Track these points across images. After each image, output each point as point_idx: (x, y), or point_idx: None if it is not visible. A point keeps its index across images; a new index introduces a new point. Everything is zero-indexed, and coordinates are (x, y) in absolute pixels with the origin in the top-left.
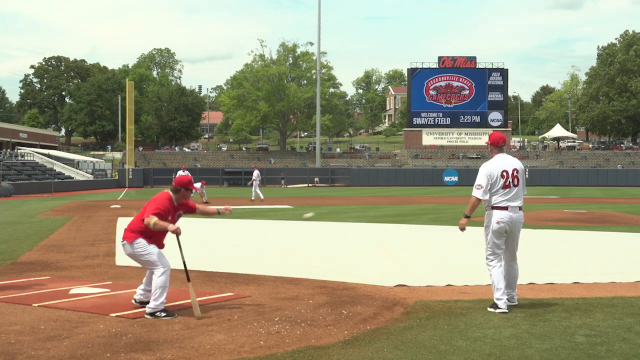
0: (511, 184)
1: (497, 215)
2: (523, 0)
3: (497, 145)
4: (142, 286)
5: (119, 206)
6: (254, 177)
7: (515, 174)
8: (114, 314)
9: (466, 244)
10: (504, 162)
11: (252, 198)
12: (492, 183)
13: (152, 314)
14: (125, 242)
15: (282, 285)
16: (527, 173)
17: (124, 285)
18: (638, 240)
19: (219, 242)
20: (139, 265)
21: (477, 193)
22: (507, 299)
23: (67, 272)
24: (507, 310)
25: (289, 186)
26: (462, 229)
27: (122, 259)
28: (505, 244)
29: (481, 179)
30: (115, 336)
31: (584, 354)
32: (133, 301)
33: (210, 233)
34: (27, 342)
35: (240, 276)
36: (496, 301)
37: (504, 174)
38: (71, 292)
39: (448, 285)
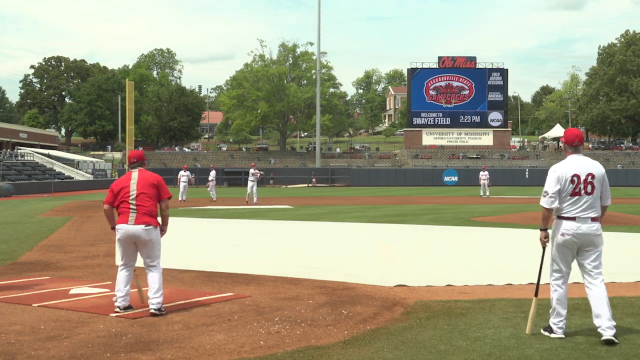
0: (582, 191)
1: (563, 226)
2: (524, 0)
3: (572, 145)
4: (122, 292)
5: None
6: (211, 178)
7: (589, 179)
8: (114, 314)
9: (466, 244)
10: (576, 165)
11: (214, 199)
12: (561, 189)
13: (159, 310)
14: (151, 227)
15: (282, 285)
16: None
17: None
18: (638, 240)
19: (219, 242)
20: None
21: (543, 201)
22: (601, 330)
23: (67, 272)
24: (563, 336)
25: (289, 186)
26: (544, 245)
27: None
28: (580, 260)
29: (548, 184)
30: (115, 336)
31: (584, 354)
32: (118, 309)
33: (210, 233)
34: (27, 342)
35: (240, 276)
36: (551, 324)
37: (575, 178)
38: (71, 292)
39: (448, 285)
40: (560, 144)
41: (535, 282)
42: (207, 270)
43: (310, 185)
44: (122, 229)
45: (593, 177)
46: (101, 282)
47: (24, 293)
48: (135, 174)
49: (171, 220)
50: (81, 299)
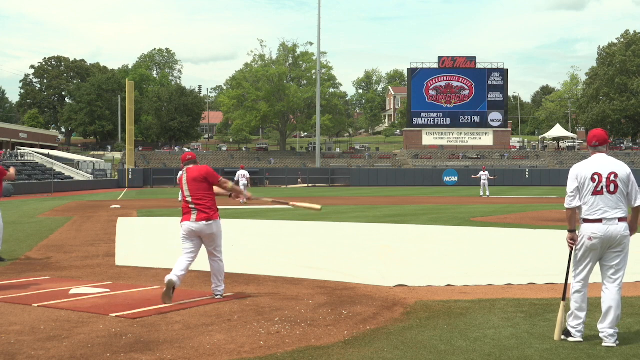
0: (604, 190)
1: (589, 229)
2: (524, 0)
3: (591, 145)
4: (177, 271)
5: (118, 206)
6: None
7: (612, 178)
8: (114, 314)
9: (466, 244)
10: (597, 164)
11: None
12: (580, 188)
13: (222, 295)
14: (212, 221)
15: (282, 285)
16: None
17: (124, 285)
18: (638, 241)
19: None
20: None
21: (566, 202)
22: (603, 336)
23: (67, 272)
24: (581, 340)
25: (289, 186)
26: (570, 246)
27: (121, 259)
28: (603, 261)
29: (569, 184)
30: (115, 336)
31: (584, 354)
32: (169, 281)
33: None
34: (27, 342)
35: (240, 276)
36: (569, 328)
37: (595, 177)
38: (71, 292)
39: (448, 285)
40: (561, 144)
41: (561, 283)
42: (207, 270)
43: (310, 185)
44: (185, 226)
45: (616, 176)
46: (101, 282)
47: (24, 293)
48: (183, 173)
49: (170, 221)
50: (81, 299)
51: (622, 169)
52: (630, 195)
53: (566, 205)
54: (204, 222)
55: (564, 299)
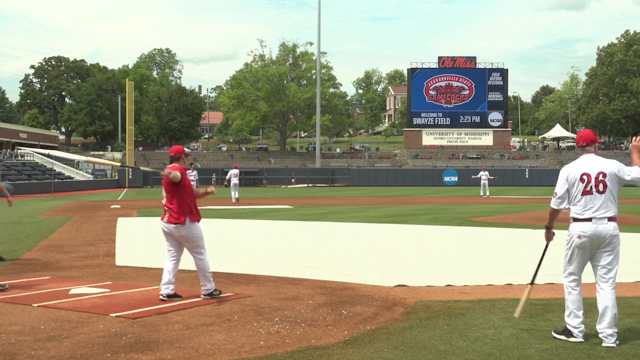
0: (593, 190)
1: (578, 228)
2: (524, 0)
3: (579, 145)
4: (164, 280)
5: (118, 206)
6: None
7: (601, 178)
8: (113, 314)
9: (466, 244)
10: (586, 164)
11: None
12: (570, 189)
13: (211, 294)
14: (179, 224)
15: (282, 285)
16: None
17: (123, 285)
18: (638, 241)
19: (219, 242)
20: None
21: (552, 202)
22: (602, 336)
23: (67, 272)
24: (582, 340)
25: (289, 186)
26: (548, 241)
27: (121, 259)
28: (594, 262)
29: (557, 185)
30: (115, 336)
31: (584, 354)
32: (161, 296)
33: (210, 233)
34: (27, 342)
35: (240, 276)
36: (570, 328)
37: (584, 177)
38: (71, 292)
39: (448, 285)
40: (560, 144)
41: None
42: None
43: (311, 185)
44: (161, 225)
45: (605, 175)
46: (101, 282)
47: (24, 293)
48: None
49: None
50: (81, 299)
51: (611, 167)
52: (636, 183)
53: (554, 206)
54: (172, 225)
55: (532, 282)
